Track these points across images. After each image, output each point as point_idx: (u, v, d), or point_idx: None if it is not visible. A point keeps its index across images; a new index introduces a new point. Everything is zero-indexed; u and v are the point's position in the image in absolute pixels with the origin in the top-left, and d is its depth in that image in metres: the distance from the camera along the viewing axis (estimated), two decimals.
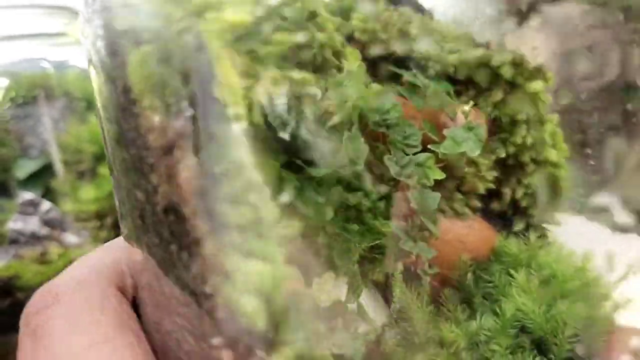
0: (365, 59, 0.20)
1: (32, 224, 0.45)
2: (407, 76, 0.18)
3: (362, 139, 0.13)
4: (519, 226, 0.20)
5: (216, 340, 0.11)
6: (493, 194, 0.21)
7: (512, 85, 0.20)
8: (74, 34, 0.44)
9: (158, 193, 0.12)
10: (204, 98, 0.11)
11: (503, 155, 0.20)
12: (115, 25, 0.13)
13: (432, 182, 0.16)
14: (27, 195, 0.49)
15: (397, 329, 0.14)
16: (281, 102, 0.12)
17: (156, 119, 0.12)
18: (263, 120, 0.12)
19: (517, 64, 0.20)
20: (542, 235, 0.21)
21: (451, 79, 0.21)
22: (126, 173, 0.14)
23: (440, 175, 0.16)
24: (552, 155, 0.21)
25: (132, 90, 0.13)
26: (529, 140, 0.20)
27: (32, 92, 0.55)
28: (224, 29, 0.12)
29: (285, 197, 0.11)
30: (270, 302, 0.10)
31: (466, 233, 0.19)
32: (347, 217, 0.14)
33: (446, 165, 0.18)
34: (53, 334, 0.14)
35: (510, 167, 0.20)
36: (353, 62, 0.18)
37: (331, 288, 0.13)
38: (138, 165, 0.13)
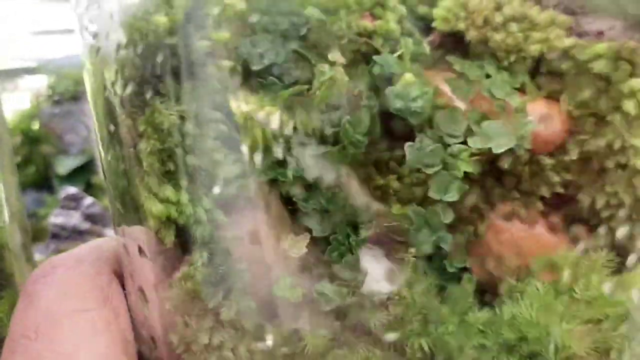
0: (440, 47, 0.30)
1: (74, 219, 0.63)
2: (455, 65, 0.27)
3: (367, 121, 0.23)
4: (599, 241, 0.27)
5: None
6: (570, 199, 0.28)
7: (605, 82, 0.28)
8: None
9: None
10: None
11: (574, 157, 0.26)
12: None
13: (462, 174, 0.24)
14: (70, 189, 0.69)
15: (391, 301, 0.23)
16: None
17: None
18: None
19: (619, 57, 0.28)
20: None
21: (536, 71, 0.29)
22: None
23: (470, 169, 0.24)
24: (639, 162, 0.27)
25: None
26: (618, 144, 0.27)
27: (74, 89, 0.76)
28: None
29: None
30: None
31: (523, 237, 0.27)
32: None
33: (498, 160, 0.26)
34: (42, 299, 0.25)
35: (591, 172, 0.27)
36: (404, 49, 0.28)
37: (304, 246, 0.23)
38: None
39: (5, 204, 0.32)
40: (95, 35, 0.25)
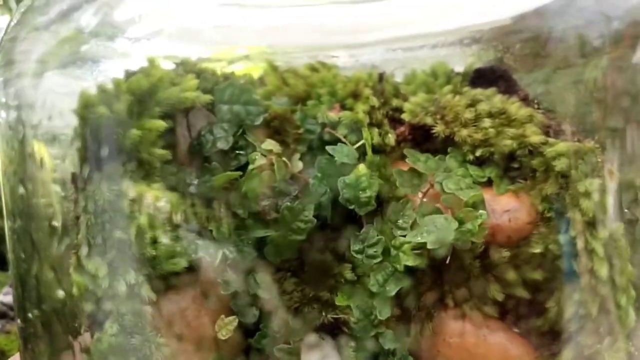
0: (406, 140, 0.35)
1: None
2: (409, 158, 0.32)
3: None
4: (566, 356, 0.30)
5: None
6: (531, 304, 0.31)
7: (566, 180, 0.33)
8: None
9: None
10: None
11: (536, 250, 0.30)
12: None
13: (402, 267, 0.28)
14: None
15: None
16: None
17: None
18: None
19: (577, 157, 0.32)
20: None
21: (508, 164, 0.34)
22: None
23: (411, 262, 0.28)
24: (603, 270, 0.30)
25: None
26: (580, 245, 0.31)
27: None
28: None
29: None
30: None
31: (475, 343, 0.30)
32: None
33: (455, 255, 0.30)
34: None
35: (557, 274, 0.30)
36: (366, 140, 0.33)
37: (232, 329, 0.27)
38: None
39: None
40: (19, 115, 0.31)
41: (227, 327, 0.27)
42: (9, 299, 0.67)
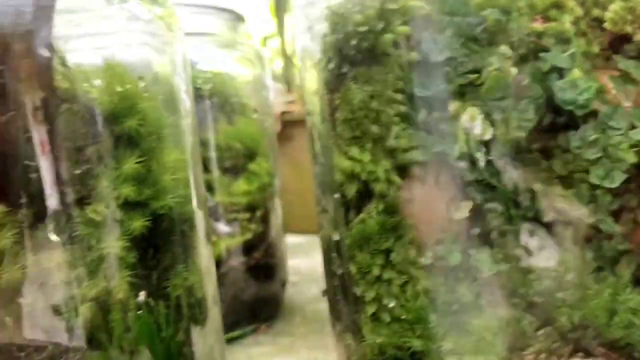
0: (606, 49, 0.36)
1: None
2: (620, 64, 0.33)
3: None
4: None
5: None
6: None
7: None
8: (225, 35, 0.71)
9: None
10: None
11: None
12: None
13: (628, 163, 0.30)
14: None
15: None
16: None
17: None
18: None
19: None
20: None
21: None
22: None
23: (633, 159, 0.30)
24: None
25: None
26: None
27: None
28: None
29: None
30: None
31: None
32: None
33: None
34: None
35: None
36: (576, 49, 0.35)
37: (467, 211, 0.32)
38: None
39: (194, 192, 0.42)
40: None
41: (461, 210, 0.31)
42: None
